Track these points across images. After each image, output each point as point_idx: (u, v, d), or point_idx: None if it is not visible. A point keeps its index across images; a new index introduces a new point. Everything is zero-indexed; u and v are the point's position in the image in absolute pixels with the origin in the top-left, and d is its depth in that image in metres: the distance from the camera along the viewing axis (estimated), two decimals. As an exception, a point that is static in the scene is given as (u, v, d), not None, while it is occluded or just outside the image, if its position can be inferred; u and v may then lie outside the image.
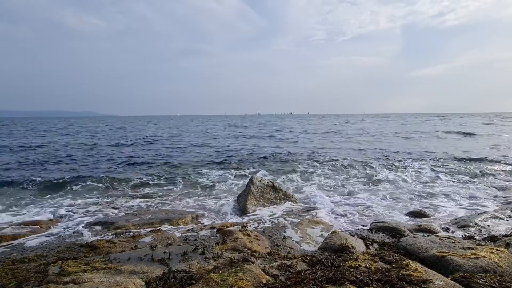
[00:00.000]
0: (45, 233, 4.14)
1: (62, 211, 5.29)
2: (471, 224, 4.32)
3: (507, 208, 5.13)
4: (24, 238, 3.88)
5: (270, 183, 5.90)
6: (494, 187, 6.78)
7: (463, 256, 2.64)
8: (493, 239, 3.67)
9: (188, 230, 4.22)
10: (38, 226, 4.40)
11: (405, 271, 2.33)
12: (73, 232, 4.22)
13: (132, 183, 7.45)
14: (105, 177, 7.87)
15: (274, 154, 11.91)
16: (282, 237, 3.94)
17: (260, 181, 5.88)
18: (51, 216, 5.04)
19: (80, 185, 7.18)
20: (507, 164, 9.42)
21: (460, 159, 10.33)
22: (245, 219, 4.85)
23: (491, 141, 16.23)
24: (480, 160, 10.17)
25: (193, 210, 5.37)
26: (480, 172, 8.33)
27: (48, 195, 6.35)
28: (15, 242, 3.76)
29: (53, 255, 3.23)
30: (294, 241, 3.84)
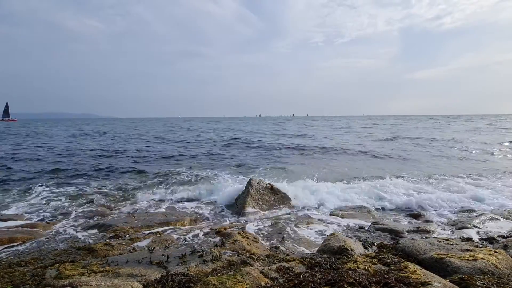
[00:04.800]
0: (42, 236, 4.11)
1: (60, 214, 5.26)
2: (469, 225, 4.33)
3: (504, 210, 5.15)
4: (21, 241, 3.85)
5: (269, 185, 5.90)
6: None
7: (461, 258, 2.65)
8: (491, 240, 3.68)
9: (186, 232, 4.20)
10: (36, 229, 4.37)
11: (404, 273, 2.33)
12: (71, 235, 4.20)
13: (130, 184, 7.43)
14: (105, 179, 7.85)
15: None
16: (281, 239, 3.93)
17: (258, 183, 5.87)
18: (49, 219, 5.01)
19: (79, 187, 7.16)
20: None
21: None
22: (244, 221, 4.84)
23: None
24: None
25: (192, 212, 5.36)
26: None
27: (46, 197, 6.32)
28: (12, 245, 3.74)
29: (50, 258, 3.21)
30: (292, 243, 3.83)
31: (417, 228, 4.29)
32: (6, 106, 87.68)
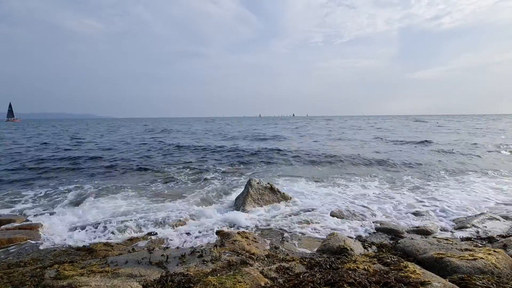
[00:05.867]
0: (41, 236, 4.10)
1: (60, 214, 5.24)
2: (468, 225, 4.33)
3: (504, 209, 5.16)
4: (20, 242, 3.84)
5: (268, 185, 5.89)
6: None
7: (460, 257, 2.65)
8: (490, 240, 3.68)
9: (186, 232, 4.20)
10: (35, 230, 4.36)
11: (404, 273, 2.34)
12: (70, 236, 4.19)
13: (129, 185, 7.41)
14: (105, 179, 7.83)
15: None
16: (281, 239, 3.93)
17: (258, 183, 5.87)
18: (48, 219, 4.99)
19: (77, 187, 7.15)
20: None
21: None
22: (243, 221, 4.83)
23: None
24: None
25: (192, 212, 5.34)
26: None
27: (45, 198, 6.30)
28: (11, 246, 3.73)
29: (49, 259, 3.20)
30: (292, 243, 3.83)
31: (417, 228, 4.29)
32: (10, 106, 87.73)
